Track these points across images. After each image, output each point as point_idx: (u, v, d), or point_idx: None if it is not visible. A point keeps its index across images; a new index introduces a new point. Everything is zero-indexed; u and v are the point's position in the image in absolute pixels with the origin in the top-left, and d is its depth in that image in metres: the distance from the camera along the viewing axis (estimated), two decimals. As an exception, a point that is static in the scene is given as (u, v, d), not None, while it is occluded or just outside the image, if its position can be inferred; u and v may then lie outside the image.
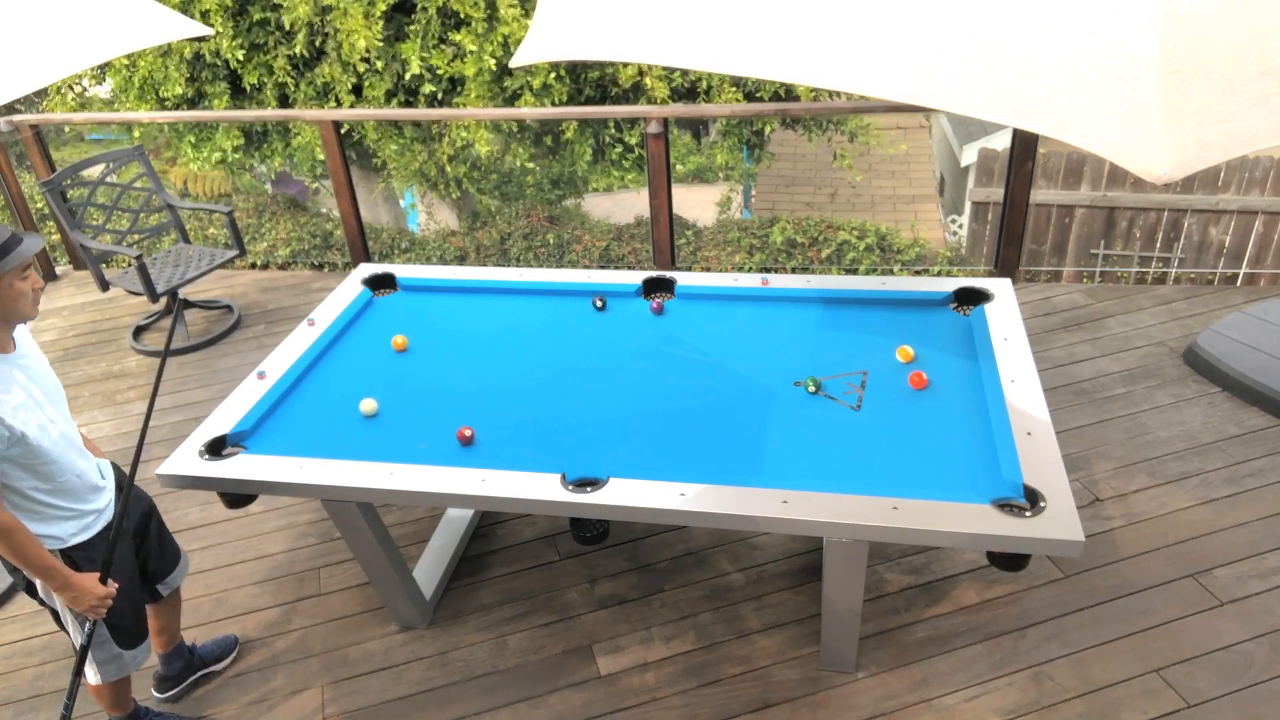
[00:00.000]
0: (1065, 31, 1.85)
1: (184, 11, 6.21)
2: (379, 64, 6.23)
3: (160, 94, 6.57)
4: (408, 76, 6.11)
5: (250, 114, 6.62)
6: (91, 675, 2.49)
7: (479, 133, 6.48)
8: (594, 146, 6.92)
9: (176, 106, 6.65)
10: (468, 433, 2.71)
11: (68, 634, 2.46)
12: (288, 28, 6.14)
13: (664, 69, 6.33)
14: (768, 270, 6.95)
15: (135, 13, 3.55)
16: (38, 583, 2.36)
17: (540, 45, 2.62)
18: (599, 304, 3.10)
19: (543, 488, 2.46)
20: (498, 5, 6.00)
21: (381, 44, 6.12)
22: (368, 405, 2.85)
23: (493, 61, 6.04)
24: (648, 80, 6.24)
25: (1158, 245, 7.49)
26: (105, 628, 2.45)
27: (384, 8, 6.01)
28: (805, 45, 2.10)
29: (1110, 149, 1.73)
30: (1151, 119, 1.69)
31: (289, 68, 6.33)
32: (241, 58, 6.28)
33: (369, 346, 3.28)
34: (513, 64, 2.77)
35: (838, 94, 7.28)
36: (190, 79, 6.55)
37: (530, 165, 7.20)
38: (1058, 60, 1.83)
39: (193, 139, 7.03)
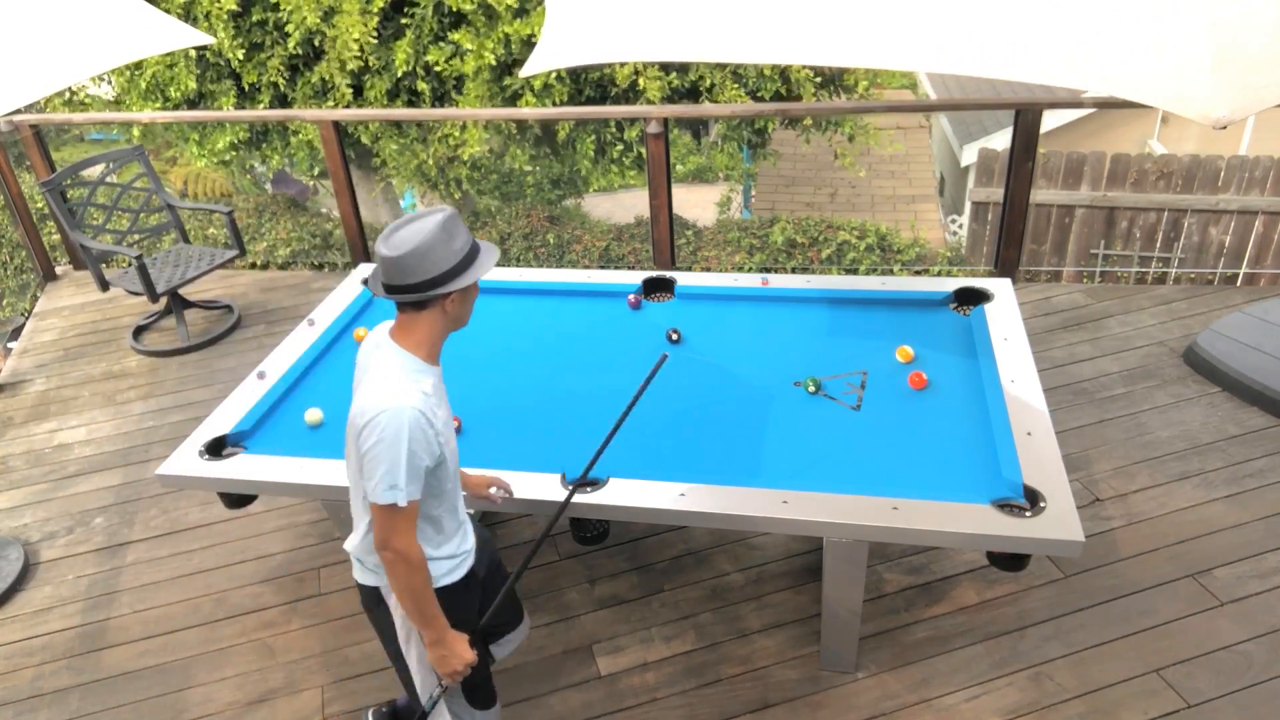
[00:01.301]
0: None
1: (186, 13, 6.21)
2: (375, 62, 6.23)
3: (168, 93, 6.56)
4: (399, 73, 6.10)
5: (251, 114, 6.62)
6: None
7: (471, 132, 6.48)
8: (595, 146, 6.91)
9: (176, 107, 6.65)
10: (455, 423, 2.72)
11: (413, 691, 2.24)
12: (288, 30, 6.14)
13: (659, 69, 6.32)
14: (768, 270, 6.95)
15: (137, 22, 3.55)
16: (398, 624, 2.13)
17: (552, 53, 2.62)
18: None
19: (543, 488, 2.46)
20: (494, 4, 5.99)
21: (375, 42, 6.12)
22: (313, 415, 2.85)
23: (493, 59, 6.03)
24: (641, 81, 6.23)
25: (1158, 245, 7.49)
26: (460, 686, 2.22)
27: (381, 4, 6.01)
28: (826, 26, 2.09)
29: (1163, 98, 1.72)
30: (1202, 67, 1.68)
31: (281, 67, 6.32)
32: (242, 57, 6.28)
33: (369, 346, 3.28)
34: (524, 73, 2.78)
35: (838, 94, 7.27)
36: (198, 77, 6.55)
37: (529, 168, 7.18)
38: (1097, 17, 1.81)
39: (197, 136, 7.04)
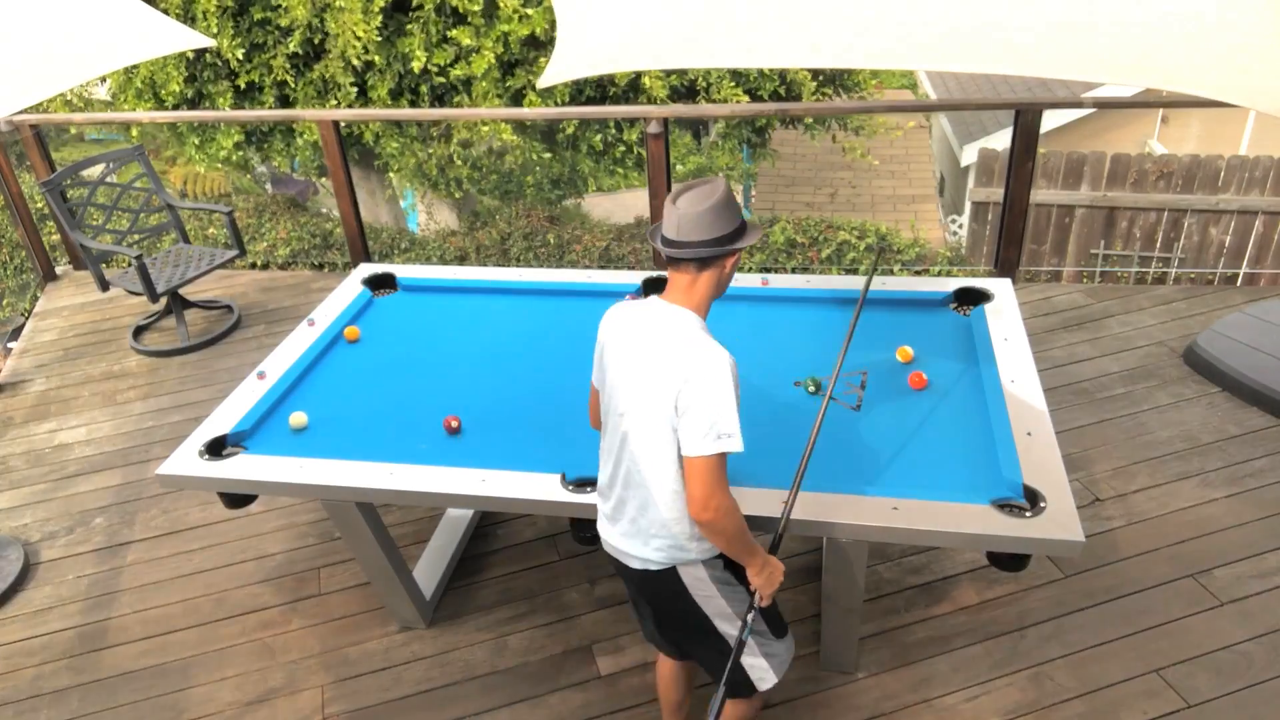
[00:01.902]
0: None
1: (184, 13, 6.21)
2: (379, 60, 6.23)
3: (161, 95, 6.56)
4: (415, 68, 6.09)
5: (251, 114, 6.61)
6: (767, 676, 2.19)
7: (500, 125, 6.49)
8: (601, 145, 6.92)
9: (176, 107, 6.65)
10: (454, 423, 2.72)
11: (719, 663, 2.13)
12: (285, 26, 6.13)
13: (663, 70, 6.33)
14: (768, 270, 6.95)
15: (137, 24, 3.54)
16: (699, 599, 2.09)
17: (567, 65, 2.62)
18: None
19: (543, 488, 2.46)
20: (497, 1, 6.00)
21: (380, 41, 6.12)
22: (297, 419, 2.84)
23: (491, 57, 6.03)
24: (646, 80, 6.23)
25: (1158, 245, 7.49)
26: (763, 618, 2.19)
27: (382, 4, 6.01)
28: (858, 29, 2.06)
29: (1231, 93, 1.70)
30: (1271, 61, 1.65)
31: (288, 66, 6.32)
32: (241, 56, 6.27)
33: (369, 347, 3.28)
34: (541, 84, 2.79)
35: (838, 93, 7.28)
36: (190, 79, 6.55)
37: (547, 156, 7.18)
38: (1155, 14, 1.77)
39: (196, 140, 7.03)
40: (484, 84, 6.20)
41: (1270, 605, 2.92)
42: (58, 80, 3.23)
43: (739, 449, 1.89)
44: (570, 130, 6.81)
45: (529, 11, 5.99)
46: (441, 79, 6.29)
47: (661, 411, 1.92)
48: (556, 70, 2.65)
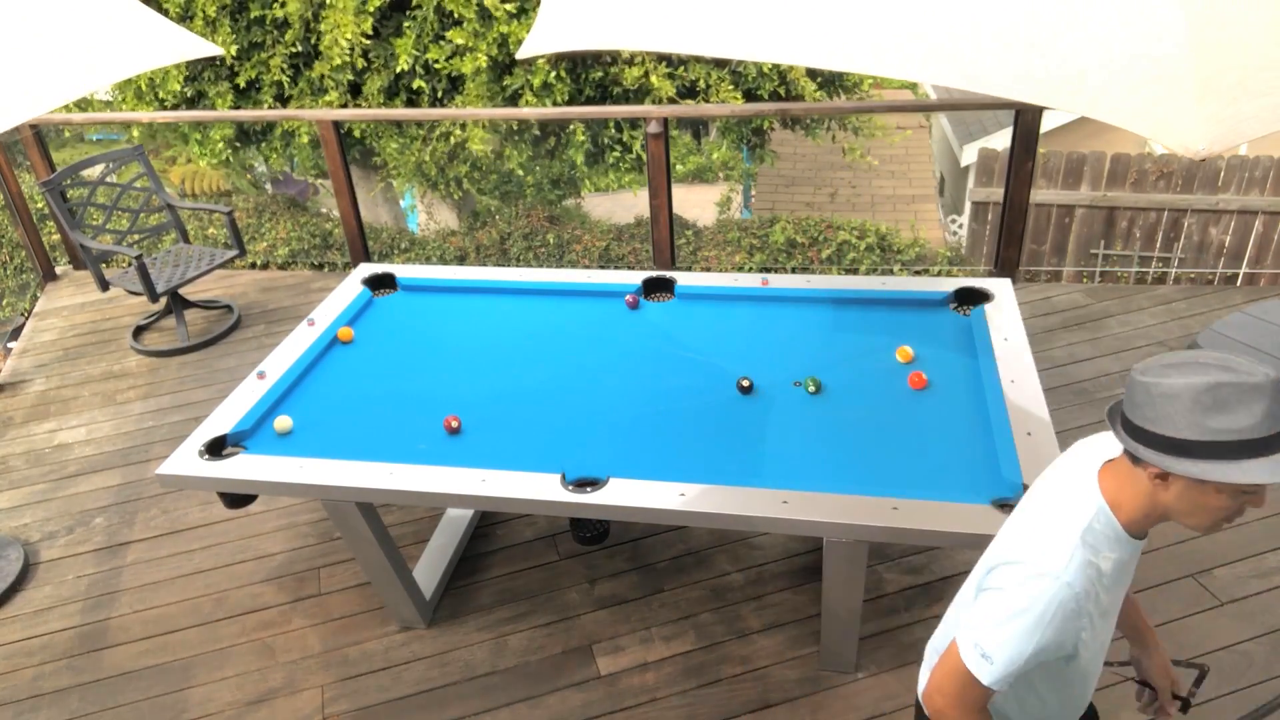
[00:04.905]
0: (1091, 9, 1.82)
1: (185, 12, 6.22)
2: (376, 61, 6.23)
3: (159, 94, 6.56)
4: (402, 66, 6.08)
5: (250, 113, 6.61)
6: None
7: (474, 131, 6.48)
8: (590, 150, 6.91)
9: (175, 106, 6.65)
10: (455, 423, 2.72)
11: None
12: (282, 21, 6.13)
13: (666, 69, 6.32)
14: (768, 270, 6.95)
15: (147, 32, 3.53)
16: None
17: (547, 36, 2.61)
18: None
19: (543, 488, 2.46)
20: (490, 7, 5.99)
21: (371, 40, 6.11)
22: (282, 423, 2.83)
23: (485, 60, 6.03)
24: (654, 79, 6.22)
25: (1158, 245, 7.49)
26: None
27: (377, 4, 6.00)
28: (820, 28, 2.08)
29: (1144, 125, 1.72)
30: (1185, 94, 1.67)
31: (284, 65, 6.31)
32: (235, 54, 6.27)
33: (369, 347, 3.28)
34: (520, 55, 2.77)
35: (838, 94, 7.28)
36: (190, 79, 6.55)
37: (520, 172, 7.17)
38: (1085, 38, 1.81)
39: (199, 136, 7.03)
40: (473, 86, 6.19)
41: (1270, 605, 2.92)
42: (71, 88, 3.21)
43: (984, 683, 1.48)
44: (572, 135, 6.80)
45: (510, 8, 5.97)
46: (423, 83, 6.28)
47: (982, 567, 1.59)
48: (536, 42, 2.64)
